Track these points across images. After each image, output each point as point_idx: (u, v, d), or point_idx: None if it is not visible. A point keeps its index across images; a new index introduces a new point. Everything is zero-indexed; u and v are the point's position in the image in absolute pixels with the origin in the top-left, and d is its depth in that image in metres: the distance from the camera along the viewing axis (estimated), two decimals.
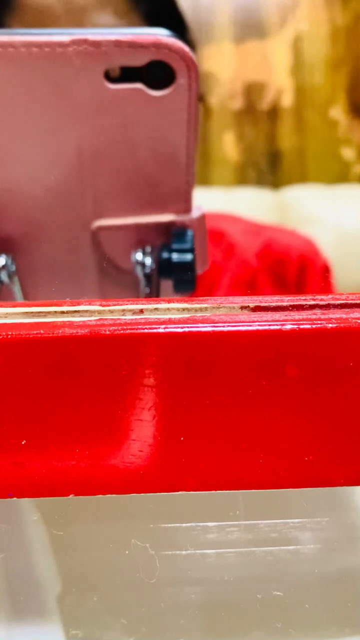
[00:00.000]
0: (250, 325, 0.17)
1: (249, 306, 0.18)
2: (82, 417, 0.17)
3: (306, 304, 0.18)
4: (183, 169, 0.27)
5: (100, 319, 0.17)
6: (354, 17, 1.42)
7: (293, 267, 0.65)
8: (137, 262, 0.28)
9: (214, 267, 0.64)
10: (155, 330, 0.17)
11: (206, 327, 0.17)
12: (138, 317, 0.17)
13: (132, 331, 0.17)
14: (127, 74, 0.25)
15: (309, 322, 0.17)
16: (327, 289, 0.68)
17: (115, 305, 0.18)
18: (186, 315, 0.17)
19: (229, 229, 0.68)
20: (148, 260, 0.28)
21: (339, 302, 0.18)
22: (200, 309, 0.18)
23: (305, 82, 1.43)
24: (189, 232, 0.28)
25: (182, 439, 0.17)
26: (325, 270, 0.68)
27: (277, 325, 0.17)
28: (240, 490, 0.18)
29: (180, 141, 0.26)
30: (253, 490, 0.18)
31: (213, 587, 0.24)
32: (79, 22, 0.51)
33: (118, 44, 0.24)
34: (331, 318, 0.17)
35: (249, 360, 0.17)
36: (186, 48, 0.25)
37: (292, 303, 0.18)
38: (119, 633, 0.23)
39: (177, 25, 0.58)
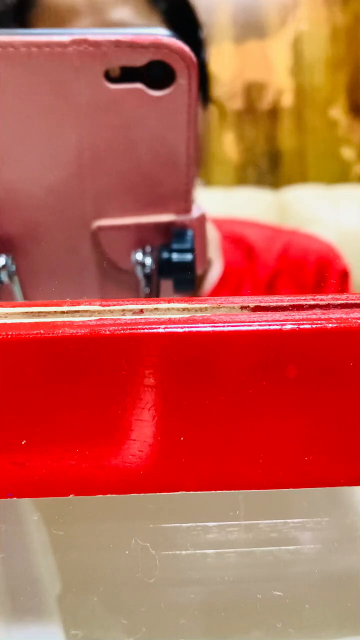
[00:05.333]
0: (250, 325, 0.17)
1: (249, 306, 0.18)
2: (82, 417, 0.17)
3: (306, 304, 0.18)
4: (183, 169, 0.27)
5: (100, 319, 0.17)
6: (354, 17, 1.42)
7: (311, 271, 0.66)
8: (137, 262, 0.28)
9: (236, 272, 0.65)
10: (155, 330, 0.17)
11: (206, 327, 0.17)
12: (138, 317, 0.17)
13: (132, 331, 0.17)
14: (127, 74, 0.25)
15: (309, 322, 0.17)
16: (345, 292, 0.68)
17: (115, 305, 0.18)
18: (186, 315, 0.17)
19: (249, 233, 0.68)
20: (148, 260, 0.28)
21: (339, 302, 0.18)
22: (200, 309, 0.18)
23: (305, 82, 1.42)
24: (189, 232, 0.28)
25: (182, 439, 0.17)
26: (344, 275, 0.68)
27: (277, 325, 0.17)
28: (240, 490, 0.18)
29: (180, 141, 0.26)
30: (253, 490, 0.17)
31: (213, 587, 0.24)
32: (100, 19, 0.52)
33: (118, 44, 0.24)
34: (331, 318, 0.17)
35: (249, 360, 0.17)
36: (186, 48, 0.25)
37: (292, 303, 0.18)
38: (119, 633, 0.23)
39: (191, 23, 0.59)
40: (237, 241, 0.67)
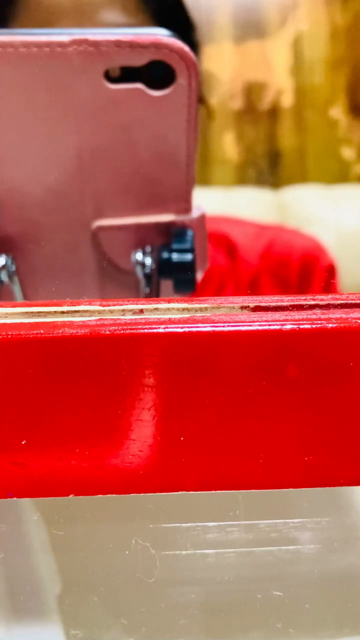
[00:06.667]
0: (250, 325, 0.17)
1: (249, 306, 0.18)
2: (82, 417, 0.17)
3: (306, 304, 0.18)
4: (183, 169, 0.27)
5: (100, 319, 0.17)
6: (354, 17, 1.42)
7: (296, 268, 0.65)
8: (137, 262, 0.28)
9: (219, 271, 0.64)
10: (155, 330, 0.17)
11: (206, 327, 0.17)
12: (138, 317, 0.17)
13: (132, 331, 0.17)
14: (127, 74, 0.25)
15: (309, 322, 0.17)
16: (332, 289, 0.66)
17: (115, 305, 0.18)
18: (186, 315, 0.17)
19: (232, 231, 0.67)
20: (148, 260, 0.28)
21: (339, 302, 0.18)
22: (200, 309, 0.18)
23: (305, 82, 1.42)
24: (189, 232, 0.28)
25: (182, 439, 0.17)
26: (330, 270, 0.66)
27: (277, 325, 0.17)
28: (240, 490, 0.18)
29: (180, 141, 0.26)
30: (253, 490, 0.17)
31: (213, 587, 0.24)
32: (87, 19, 0.50)
33: (118, 44, 0.24)
34: (331, 318, 0.17)
35: (249, 360, 0.17)
36: (186, 48, 0.25)
37: (292, 303, 0.18)
38: (119, 633, 0.23)
39: (183, 25, 0.58)
40: (220, 240, 0.66)
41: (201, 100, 0.64)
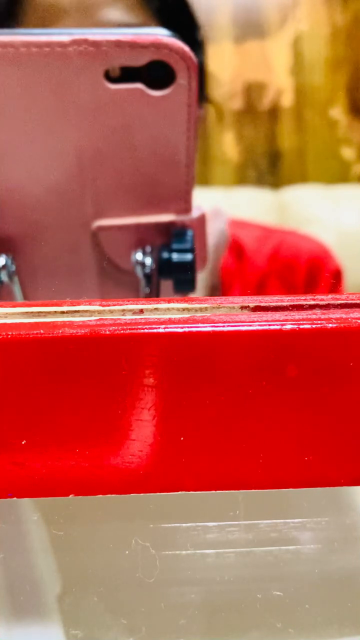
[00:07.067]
0: (250, 325, 0.17)
1: (249, 306, 0.18)
2: (82, 417, 0.17)
3: (306, 304, 0.18)
4: (183, 169, 0.27)
5: (100, 319, 0.17)
6: (354, 17, 1.42)
7: (302, 271, 0.65)
8: (137, 262, 0.28)
9: (226, 273, 0.64)
10: (155, 330, 0.17)
11: (206, 327, 0.17)
12: (138, 317, 0.17)
13: (132, 331, 0.17)
14: (127, 74, 0.25)
15: (309, 322, 0.17)
16: (338, 293, 0.66)
17: (115, 305, 0.18)
18: (186, 315, 0.17)
19: (240, 234, 0.68)
20: (148, 260, 0.28)
21: (339, 302, 0.18)
22: (200, 309, 0.18)
23: (305, 82, 1.42)
24: (189, 232, 0.28)
25: (182, 439, 0.17)
26: (337, 275, 0.67)
27: (277, 325, 0.17)
28: (240, 490, 0.18)
29: (180, 141, 0.26)
30: (253, 490, 0.17)
31: (213, 587, 0.24)
32: (90, 18, 0.51)
33: (118, 44, 0.24)
34: (331, 318, 0.17)
35: (249, 360, 0.17)
36: (186, 48, 0.25)
37: (292, 303, 0.18)
38: (119, 633, 0.23)
39: (187, 24, 0.58)
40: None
41: (208, 99, 0.64)
